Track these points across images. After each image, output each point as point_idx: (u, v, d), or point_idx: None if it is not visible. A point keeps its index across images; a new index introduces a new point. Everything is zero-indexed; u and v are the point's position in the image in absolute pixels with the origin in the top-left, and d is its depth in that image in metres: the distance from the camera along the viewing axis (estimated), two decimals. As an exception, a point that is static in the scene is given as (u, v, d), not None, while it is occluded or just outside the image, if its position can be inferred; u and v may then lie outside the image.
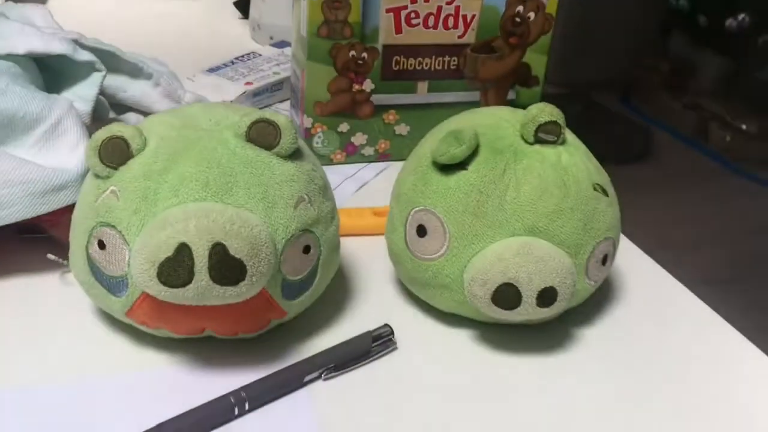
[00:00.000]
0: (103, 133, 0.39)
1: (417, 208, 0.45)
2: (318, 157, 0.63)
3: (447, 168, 0.44)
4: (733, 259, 2.09)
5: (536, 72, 0.65)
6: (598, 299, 0.50)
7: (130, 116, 0.57)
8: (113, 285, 0.39)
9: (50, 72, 0.52)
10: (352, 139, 0.63)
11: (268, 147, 0.40)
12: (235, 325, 0.41)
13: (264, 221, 0.39)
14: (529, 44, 0.63)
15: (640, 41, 3.05)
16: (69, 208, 0.43)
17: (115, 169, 0.39)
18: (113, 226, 0.39)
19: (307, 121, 0.61)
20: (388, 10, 0.59)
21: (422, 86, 0.63)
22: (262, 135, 0.40)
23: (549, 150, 0.44)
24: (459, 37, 0.61)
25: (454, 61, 0.62)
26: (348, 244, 0.53)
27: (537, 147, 0.44)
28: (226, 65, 0.73)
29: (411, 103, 0.63)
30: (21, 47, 0.49)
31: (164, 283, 0.36)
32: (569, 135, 0.46)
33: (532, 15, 0.62)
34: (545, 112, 0.44)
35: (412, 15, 0.59)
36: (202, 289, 0.36)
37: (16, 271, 0.48)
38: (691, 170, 2.66)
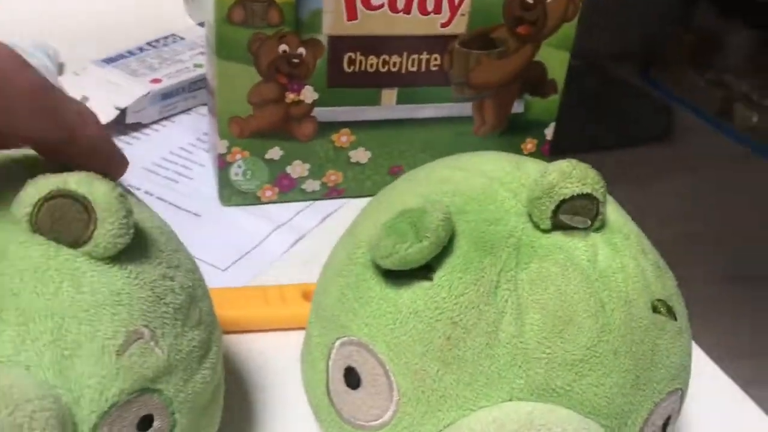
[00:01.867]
0: None
1: (344, 338, 0.26)
2: (239, 194, 0.44)
3: (396, 276, 0.25)
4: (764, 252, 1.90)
5: (554, 75, 0.46)
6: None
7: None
8: None
9: None
10: (288, 170, 0.44)
11: (74, 242, 0.22)
12: None
13: (50, 386, 0.21)
14: (546, 36, 0.44)
15: (662, 9, 2.82)
16: None
17: None
18: None
19: (222, 145, 0.42)
20: (335, -15, 0.39)
21: (389, 95, 0.43)
22: (61, 221, 0.22)
23: (577, 243, 0.25)
24: (443, 25, 0.42)
25: (435, 59, 0.43)
26: (257, 346, 0.34)
27: (557, 237, 0.25)
28: (131, 53, 0.54)
29: (373, 120, 0.44)
30: None
31: None
32: (612, 211, 0.27)
33: (550, -7, 0.43)
34: (572, 177, 0.25)
35: (373, -8, 0.40)
36: None
37: None
38: (715, 152, 2.46)
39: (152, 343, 0.23)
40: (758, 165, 2.38)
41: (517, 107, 0.46)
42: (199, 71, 0.53)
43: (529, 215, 0.25)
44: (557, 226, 0.25)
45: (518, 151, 0.48)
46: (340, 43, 0.41)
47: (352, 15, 0.40)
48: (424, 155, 0.46)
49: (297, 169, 0.44)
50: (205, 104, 0.53)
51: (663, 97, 2.63)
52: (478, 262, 0.24)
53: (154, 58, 0.53)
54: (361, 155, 0.45)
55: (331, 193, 0.46)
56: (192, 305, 0.25)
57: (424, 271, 0.25)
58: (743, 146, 2.48)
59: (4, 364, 0.21)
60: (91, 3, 0.67)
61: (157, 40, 0.56)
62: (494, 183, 0.27)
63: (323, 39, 0.41)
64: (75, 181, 0.22)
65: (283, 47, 0.40)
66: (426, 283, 0.25)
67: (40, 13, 0.63)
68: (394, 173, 0.46)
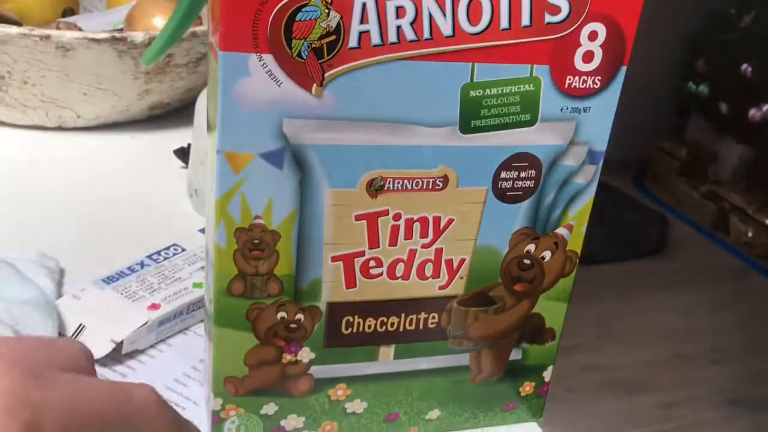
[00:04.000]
0: None
1: None
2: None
3: None
4: (762, 374, 1.87)
5: (551, 324, 0.46)
6: None
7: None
8: None
9: None
10: (283, 423, 0.44)
11: None
12: None
13: None
14: (543, 291, 0.44)
15: (655, 122, 2.88)
16: None
17: None
18: None
19: (216, 402, 0.42)
20: (335, 258, 0.40)
21: (386, 351, 0.43)
22: None
23: None
24: (441, 287, 0.42)
25: (433, 318, 0.43)
26: None
27: None
28: (132, 269, 0.54)
29: (369, 374, 0.44)
30: None
31: None
32: None
33: (547, 254, 0.43)
34: None
35: (372, 263, 0.40)
36: None
37: None
38: (711, 266, 2.46)
39: None
40: (755, 281, 2.38)
41: (515, 354, 0.46)
42: (198, 292, 0.53)
43: None
44: None
45: (516, 394, 0.47)
46: (338, 309, 0.41)
47: (351, 283, 0.41)
48: (420, 403, 0.45)
49: (291, 422, 0.44)
50: (201, 321, 0.53)
51: (659, 208, 2.65)
52: None
53: (154, 276, 0.54)
54: (357, 406, 0.44)
55: (326, 441, 0.45)
56: None
57: None
58: (740, 261, 2.48)
59: None
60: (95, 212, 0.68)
61: (158, 252, 0.56)
62: None
63: (322, 306, 0.41)
64: None
65: (281, 314, 0.40)
66: None
67: (40, 220, 0.64)
68: (391, 420, 0.45)
